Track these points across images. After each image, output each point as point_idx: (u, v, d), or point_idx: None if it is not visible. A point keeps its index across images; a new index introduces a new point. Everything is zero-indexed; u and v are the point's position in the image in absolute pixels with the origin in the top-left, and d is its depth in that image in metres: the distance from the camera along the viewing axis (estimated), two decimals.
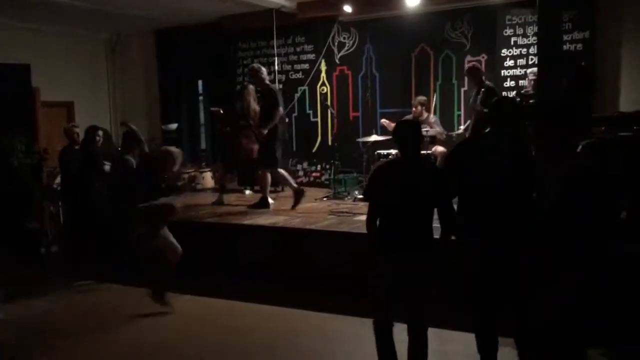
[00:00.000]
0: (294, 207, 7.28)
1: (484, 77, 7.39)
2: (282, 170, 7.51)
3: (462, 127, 8.12)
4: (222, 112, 7.79)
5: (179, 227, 6.93)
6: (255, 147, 7.57)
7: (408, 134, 3.54)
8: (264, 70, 7.48)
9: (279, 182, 7.86)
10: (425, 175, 3.51)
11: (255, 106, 7.70)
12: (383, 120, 8.10)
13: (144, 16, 9.46)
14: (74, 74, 10.46)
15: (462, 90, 8.59)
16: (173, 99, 10.86)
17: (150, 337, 4.92)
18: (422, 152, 7.71)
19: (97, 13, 8.91)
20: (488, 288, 3.36)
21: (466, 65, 7.82)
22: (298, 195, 7.36)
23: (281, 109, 7.39)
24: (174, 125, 10.03)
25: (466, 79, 8.26)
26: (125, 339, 4.87)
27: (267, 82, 7.51)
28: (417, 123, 3.80)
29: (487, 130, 3.67)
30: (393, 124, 7.92)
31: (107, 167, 7.30)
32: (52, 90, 9.53)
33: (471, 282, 3.47)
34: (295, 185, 7.57)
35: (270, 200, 7.60)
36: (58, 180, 7.64)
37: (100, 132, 7.09)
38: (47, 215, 8.02)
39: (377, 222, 3.51)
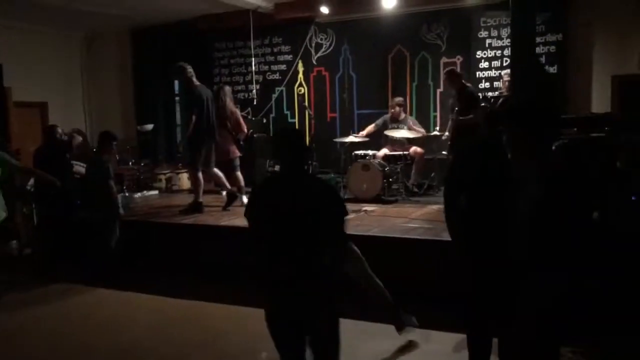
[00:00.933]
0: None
1: (464, 81, 7.43)
2: (200, 173, 7.24)
3: (437, 129, 8.14)
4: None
5: (156, 229, 6.93)
6: (232, 147, 7.56)
7: (286, 145, 2.99)
8: (189, 68, 7.11)
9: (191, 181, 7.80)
10: (310, 192, 2.92)
11: (231, 106, 7.68)
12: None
13: (119, 15, 9.35)
14: (48, 74, 10.27)
15: (438, 91, 8.69)
16: (149, 100, 10.74)
17: (128, 337, 4.87)
18: (402, 152, 7.82)
19: (72, 11, 8.79)
20: (492, 294, 3.31)
21: (444, 70, 7.80)
22: (194, 207, 7.25)
23: (194, 115, 6.96)
24: (149, 126, 9.92)
25: (442, 81, 8.34)
26: (102, 341, 4.82)
27: (194, 80, 7.14)
28: (296, 132, 3.35)
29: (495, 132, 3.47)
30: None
31: (82, 168, 7.23)
32: (25, 91, 9.38)
33: (475, 289, 3.40)
34: (199, 199, 7.27)
35: (246, 201, 7.59)
36: (32, 182, 7.51)
37: (59, 129, 7.05)
38: (20, 216, 7.88)
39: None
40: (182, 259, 6.49)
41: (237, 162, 7.65)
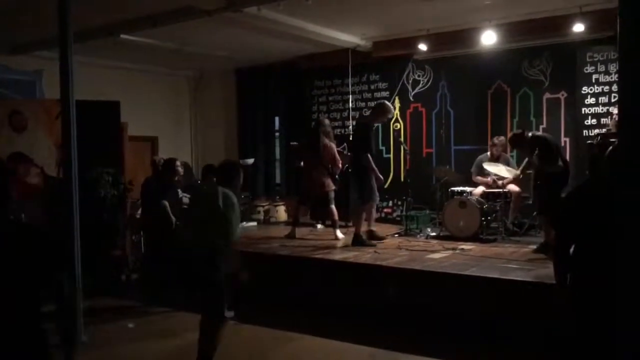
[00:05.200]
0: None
1: (529, 135, 6.87)
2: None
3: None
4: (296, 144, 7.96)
5: (252, 258, 7.13)
6: (327, 180, 7.69)
7: None
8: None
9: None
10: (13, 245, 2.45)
11: (325, 141, 7.82)
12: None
13: (225, 56, 9.90)
14: (159, 110, 11.02)
15: (541, 127, 8.39)
16: (250, 135, 11.20)
17: None
18: (500, 190, 7.57)
19: (182, 53, 9.42)
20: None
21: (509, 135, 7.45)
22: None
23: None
24: (250, 160, 10.32)
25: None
26: None
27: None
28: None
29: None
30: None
31: (186, 199, 7.60)
32: (138, 125, 10.00)
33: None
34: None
35: (339, 235, 7.67)
36: (139, 211, 7.99)
37: (179, 163, 7.41)
38: (129, 244, 8.39)
39: None
40: (275, 289, 6.60)
41: (332, 195, 7.77)
